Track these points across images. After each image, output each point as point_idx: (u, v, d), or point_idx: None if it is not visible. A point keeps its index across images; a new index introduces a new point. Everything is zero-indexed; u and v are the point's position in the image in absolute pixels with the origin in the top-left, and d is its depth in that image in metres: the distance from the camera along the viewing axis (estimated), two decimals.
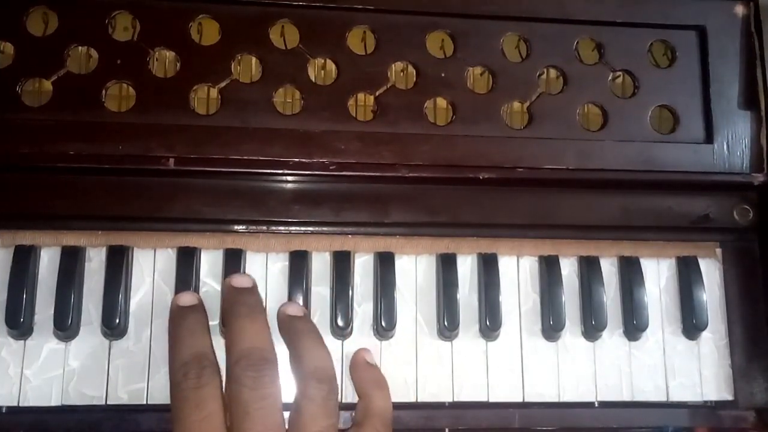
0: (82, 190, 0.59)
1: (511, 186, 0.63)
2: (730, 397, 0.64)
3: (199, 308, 0.56)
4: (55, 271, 0.58)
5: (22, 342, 0.57)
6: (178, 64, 0.61)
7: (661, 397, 0.63)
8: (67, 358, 0.57)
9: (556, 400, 0.62)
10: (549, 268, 0.63)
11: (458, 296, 0.61)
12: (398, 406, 0.58)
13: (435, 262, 0.63)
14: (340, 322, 0.59)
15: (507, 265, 0.64)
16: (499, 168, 0.62)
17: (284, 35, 0.63)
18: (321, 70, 0.64)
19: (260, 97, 0.61)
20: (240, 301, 0.55)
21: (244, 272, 0.60)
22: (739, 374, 0.64)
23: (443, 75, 0.64)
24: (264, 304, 0.60)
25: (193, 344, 0.53)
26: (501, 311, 0.61)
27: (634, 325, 0.63)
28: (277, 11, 0.63)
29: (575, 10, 0.66)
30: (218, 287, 0.60)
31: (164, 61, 0.62)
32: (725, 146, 0.65)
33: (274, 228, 0.62)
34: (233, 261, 0.60)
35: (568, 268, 0.64)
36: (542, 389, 0.62)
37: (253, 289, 0.57)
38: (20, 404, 0.56)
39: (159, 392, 0.57)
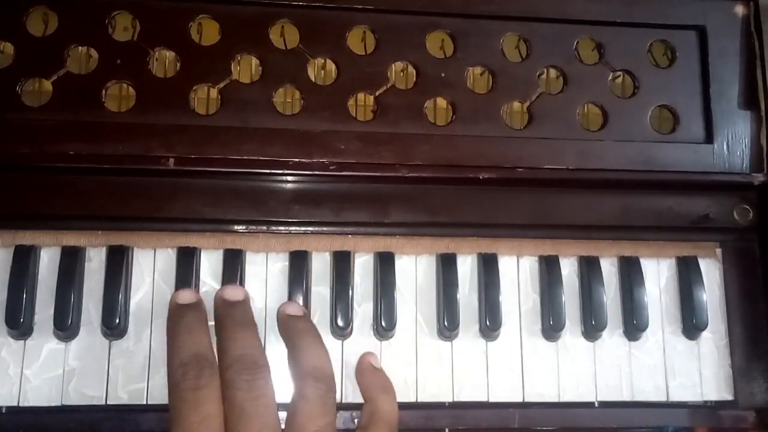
0: (82, 190, 0.59)
1: (511, 186, 0.63)
2: (730, 397, 0.64)
3: (199, 306, 0.56)
4: (55, 271, 0.58)
5: (22, 342, 0.57)
6: (178, 64, 0.61)
7: (661, 397, 0.63)
8: (67, 358, 0.57)
9: (556, 400, 0.62)
10: (549, 268, 0.63)
11: (458, 296, 0.61)
12: (398, 406, 0.58)
13: (435, 262, 0.63)
14: (340, 322, 0.59)
15: (507, 265, 0.64)
16: (499, 168, 0.62)
17: (284, 35, 0.63)
18: (321, 70, 0.64)
19: (260, 97, 0.61)
20: (231, 315, 0.56)
21: (244, 272, 0.60)
22: (739, 374, 0.64)
23: (443, 75, 0.64)
24: (264, 303, 0.60)
25: (192, 343, 0.53)
26: (501, 311, 0.61)
27: (634, 325, 0.63)
28: (277, 11, 0.63)
29: (575, 10, 0.66)
30: (218, 287, 0.59)
31: (164, 61, 0.62)
32: (725, 146, 0.65)
33: (274, 228, 0.62)
34: (233, 261, 0.60)
35: (568, 268, 0.64)
36: (542, 389, 0.62)
37: (244, 302, 0.57)
38: (20, 404, 0.56)
39: (159, 392, 0.57)
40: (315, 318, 0.60)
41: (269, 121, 0.61)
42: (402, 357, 0.61)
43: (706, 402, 0.64)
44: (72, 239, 0.60)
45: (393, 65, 0.63)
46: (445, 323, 0.60)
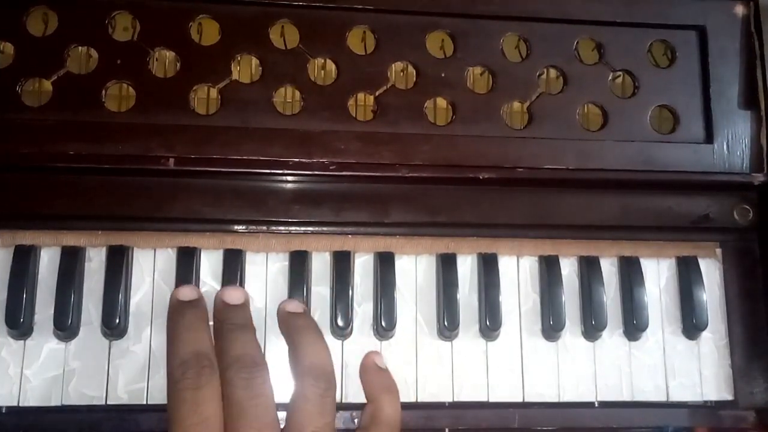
0: (82, 190, 0.59)
1: (511, 186, 0.63)
2: (730, 397, 0.64)
3: (200, 303, 0.56)
4: (55, 271, 0.58)
5: (22, 342, 0.57)
6: (178, 64, 0.61)
7: (661, 397, 0.63)
8: (67, 358, 0.57)
9: (556, 400, 0.62)
10: (549, 268, 0.63)
11: (458, 296, 0.61)
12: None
13: (435, 262, 0.63)
14: (340, 322, 0.59)
15: (507, 265, 0.64)
16: (499, 168, 0.62)
17: (284, 35, 0.63)
18: (321, 70, 0.64)
19: (260, 97, 0.61)
20: (230, 317, 0.56)
21: (244, 272, 0.60)
22: (739, 374, 0.64)
23: (443, 75, 0.64)
24: (264, 303, 0.60)
25: (193, 341, 0.52)
26: (501, 311, 0.61)
27: (634, 325, 0.63)
28: (277, 11, 0.63)
29: (575, 10, 0.66)
30: (218, 287, 0.60)
31: (164, 61, 0.62)
32: (725, 146, 0.65)
33: (274, 228, 0.62)
34: (233, 261, 0.60)
35: (568, 268, 0.64)
36: (542, 389, 0.62)
37: (244, 306, 0.57)
38: (20, 404, 0.56)
39: (159, 392, 0.57)
40: (315, 318, 0.60)
41: (269, 121, 0.61)
42: (402, 357, 0.61)
43: (706, 402, 0.64)
44: (72, 239, 0.60)
45: (393, 65, 0.63)
46: (445, 323, 0.60)
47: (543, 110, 0.64)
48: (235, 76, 0.61)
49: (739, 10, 0.67)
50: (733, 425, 0.64)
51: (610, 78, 0.66)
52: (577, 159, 0.63)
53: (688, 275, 0.65)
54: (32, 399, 0.57)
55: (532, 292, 0.64)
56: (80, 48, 0.61)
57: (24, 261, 0.57)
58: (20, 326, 0.56)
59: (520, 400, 0.62)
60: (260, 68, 0.62)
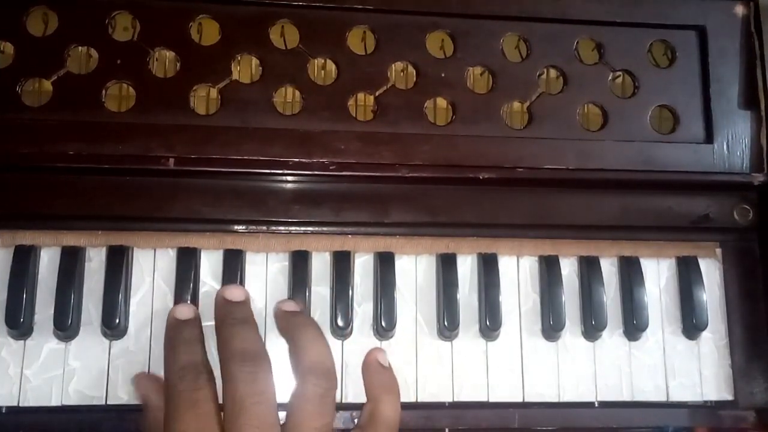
0: (82, 190, 0.59)
1: (511, 186, 0.63)
2: (730, 397, 0.64)
3: (196, 322, 0.56)
4: (55, 271, 0.58)
5: (22, 342, 0.57)
6: (178, 64, 0.61)
7: (661, 397, 0.63)
8: (67, 358, 0.57)
9: (556, 400, 0.62)
10: (549, 268, 0.63)
11: (458, 296, 0.61)
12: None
13: (435, 262, 0.63)
14: (340, 322, 0.59)
15: (507, 265, 0.64)
16: (499, 168, 0.62)
17: (284, 35, 0.63)
18: (321, 70, 0.64)
19: (260, 97, 0.61)
20: (232, 313, 0.56)
21: (244, 272, 0.60)
22: (739, 374, 0.64)
23: (443, 75, 0.64)
24: (264, 303, 0.60)
25: (191, 353, 0.53)
26: (501, 311, 0.61)
27: (634, 325, 0.63)
28: (277, 11, 0.63)
29: (575, 10, 0.66)
30: (218, 287, 0.60)
31: (164, 61, 0.62)
32: (725, 146, 0.65)
33: (274, 228, 0.62)
34: (233, 261, 0.60)
35: (568, 268, 0.64)
36: (542, 389, 0.62)
37: (245, 303, 0.57)
38: (20, 404, 0.56)
39: None
40: (315, 318, 0.60)
41: (269, 121, 0.61)
42: (402, 357, 0.61)
43: (706, 402, 0.64)
44: (72, 239, 0.60)
45: (393, 65, 0.63)
46: (445, 323, 0.60)
47: (543, 110, 0.64)
48: (235, 76, 0.61)
49: (739, 10, 0.67)
50: (733, 425, 0.64)
51: (610, 78, 0.66)
52: (577, 159, 0.63)
53: (688, 275, 0.65)
54: (32, 399, 0.57)
55: (532, 292, 0.64)
56: (80, 48, 0.61)
57: (24, 261, 0.57)
58: (20, 326, 0.56)
59: (520, 400, 0.62)
60: (260, 68, 0.62)
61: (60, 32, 0.60)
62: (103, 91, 0.60)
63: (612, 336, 0.64)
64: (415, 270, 0.63)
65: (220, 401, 0.51)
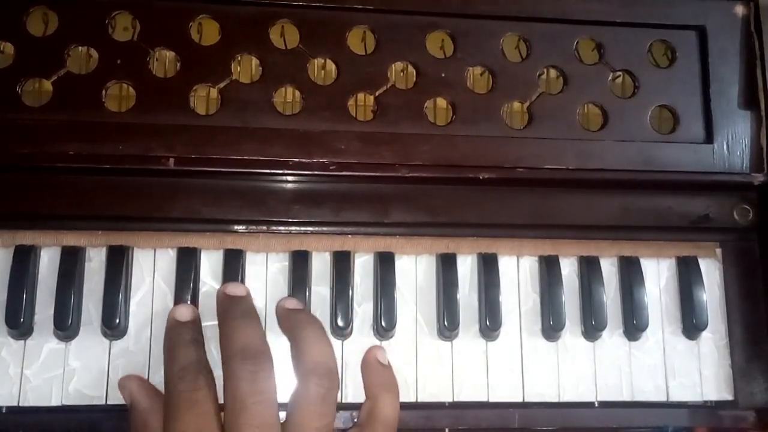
0: (82, 190, 0.59)
1: (511, 186, 0.63)
2: (730, 397, 0.64)
3: (196, 323, 0.56)
4: (55, 271, 0.58)
5: (22, 342, 0.57)
6: (178, 64, 0.61)
7: (661, 397, 0.63)
8: (67, 358, 0.57)
9: (556, 400, 0.62)
10: (549, 268, 0.63)
11: (458, 296, 0.61)
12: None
13: (435, 262, 0.63)
14: (340, 322, 0.59)
15: (507, 265, 0.64)
16: (499, 168, 0.62)
17: (284, 35, 0.63)
18: (321, 70, 0.64)
19: (260, 97, 0.61)
20: (234, 308, 0.56)
21: (244, 272, 0.60)
22: (739, 374, 0.64)
23: (443, 75, 0.64)
24: (264, 303, 0.60)
25: (191, 354, 0.53)
26: (501, 311, 0.61)
27: (634, 325, 0.63)
28: (277, 11, 0.63)
29: (575, 10, 0.66)
30: (218, 287, 0.59)
31: (164, 61, 0.62)
32: (725, 146, 0.65)
33: (274, 228, 0.62)
34: (233, 261, 0.60)
35: (568, 268, 0.65)
36: (542, 389, 0.62)
37: (246, 297, 0.57)
38: (20, 404, 0.56)
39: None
40: None
41: (269, 121, 0.61)
42: (402, 357, 0.61)
43: (706, 402, 0.64)
44: (72, 239, 0.60)
45: (393, 65, 0.63)
46: (445, 323, 0.60)
47: (543, 110, 0.64)
48: (235, 76, 0.61)
49: (739, 10, 0.67)
50: (733, 425, 0.64)
51: (610, 78, 0.66)
52: (577, 159, 0.63)
53: (688, 275, 0.65)
54: (32, 399, 0.57)
55: (532, 292, 0.64)
56: (80, 48, 0.61)
57: (24, 261, 0.57)
58: (20, 326, 0.56)
59: (520, 400, 0.62)
60: (260, 68, 0.62)
61: (60, 32, 0.60)
62: (103, 91, 0.60)
63: (612, 336, 0.64)
64: (415, 270, 0.63)
65: (221, 401, 0.51)
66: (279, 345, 0.57)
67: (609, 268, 0.65)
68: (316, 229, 0.62)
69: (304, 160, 0.60)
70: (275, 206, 0.61)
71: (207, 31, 0.62)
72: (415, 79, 0.64)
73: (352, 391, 0.59)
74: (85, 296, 0.58)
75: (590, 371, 0.63)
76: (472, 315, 0.62)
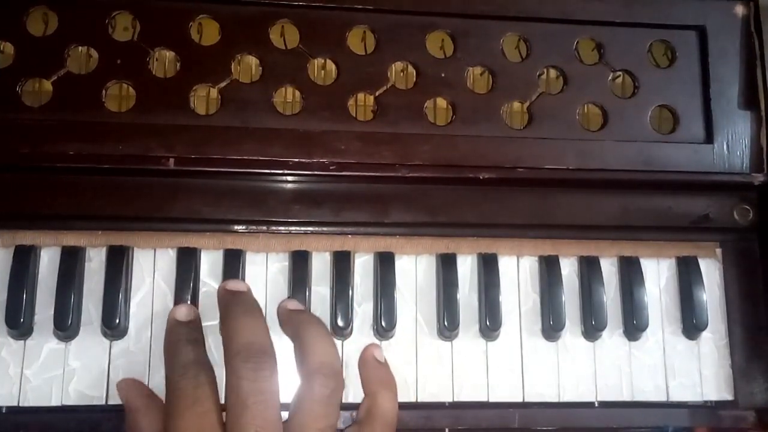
0: (82, 190, 0.59)
1: (511, 186, 0.63)
2: (730, 397, 0.64)
3: (196, 323, 0.56)
4: (55, 271, 0.58)
5: (22, 342, 0.57)
6: (178, 64, 0.61)
7: (661, 397, 0.63)
8: (67, 358, 0.57)
9: (556, 400, 0.62)
10: (549, 268, 0.63)
11: (458, 296, 0.61)
12: (398, 406, 0.58)
13: (435, 262, 0.63)
14: (340, 322, 0.59)
15: (507, 265, 0.64)
16: (499, 168, 0.62)
17: (284, 35, 0.63)
18: (321, 70, 0.64)
19: (260, 97, 0.61)
20: (236, 302, 0.56)
21: (244, 272, 0.60)
22: (739, 374, 0.64)
23: (443, 75, 0.64)
24: (264, 303, 0.60)
25: (191, 353, 0.53)
26: (501, 311, 0.61)
27: (634, 325, 0.63)
28: (277, 11, 0.63)
29: (575, 10, 0.66)
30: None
31: (164, 61, 0.62)
32: (725, 146, 0.65)
33: (274, 228, 0.62)
34: (233, 261, 0.60)
35: (568, 268, 0.65)
36: (542, 389, 0.62)
37: (248, 293, 0.57)
38: (20, 404, 0.56)
39: (159, 392, 0.57)
40: None
41: (269, 121, 0.61)
42: (402, 357, 0.61)
43: (706, 402, 0.64)
44: (72, 239, 0.60)
45: (393, 65, 0.63)
46: (445, 323, 0.60)
47: (543, 110, 0.64)
48: (235, 76, 0.61)
49: (739, 10, 0.67)
50: (733, 425, 0.64)
51: (610, 78, 0.66)
52: (577, 159, 0.63)
53: (688, 275, 0.65)
54: (32, 399, 0.57)
55: (532, 292, 0.64)
56: (80, 48, 0.61)
57: (24, 261, 0.57)
58: (20, 326, 0.56)
59: (520, 400, 0.62)
60: (260, 68, 0.62)
61: (60, 32, 0.60)
62: (103, 91, 0.60)
63: (612, 336, 0.64)
64: (415, 270, 0.63)
65: (221, 400, 0.51)
66: (280, 345, 0.57)
67: (609, 268, 0.65)
68: (316, 229, 0.62)
69: (304, 160, 0.60)
70: (275, 206, 0.61)
71: (207, 31, 0.62)
72: (415, 79, 0.64)
73: (353, 391, 0.59)
74: (85, 296, 0.58)
75: (590, 371, 0.63)
76: (472, 315, 0.62)
